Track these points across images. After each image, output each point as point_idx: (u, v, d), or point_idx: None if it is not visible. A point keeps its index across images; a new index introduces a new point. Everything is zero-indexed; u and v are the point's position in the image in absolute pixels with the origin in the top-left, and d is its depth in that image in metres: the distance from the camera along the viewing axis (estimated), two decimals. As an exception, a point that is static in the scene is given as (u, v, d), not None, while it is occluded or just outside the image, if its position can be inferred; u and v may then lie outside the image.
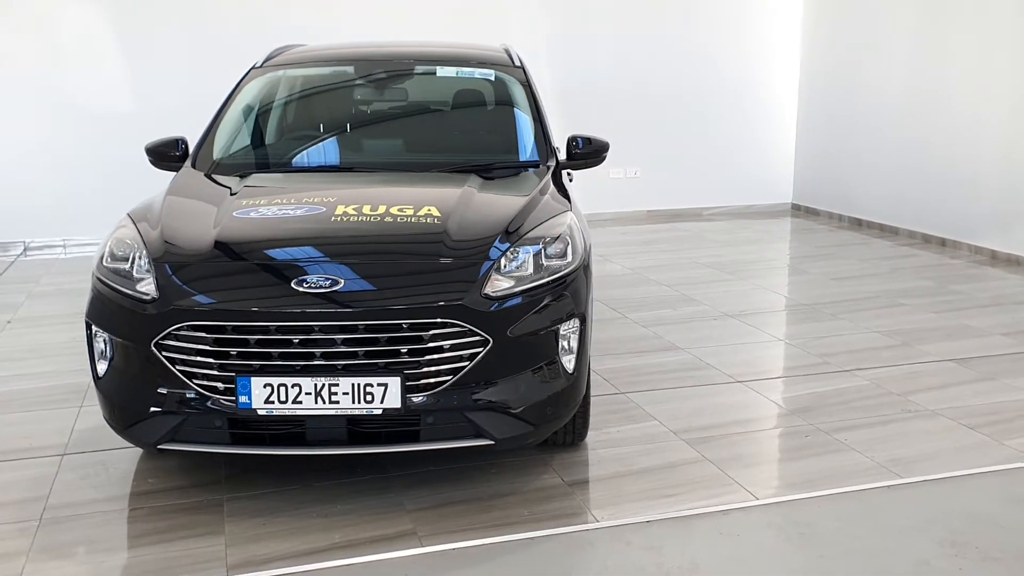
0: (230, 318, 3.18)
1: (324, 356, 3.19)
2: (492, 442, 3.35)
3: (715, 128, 10.19)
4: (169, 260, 3.36)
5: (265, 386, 3.17)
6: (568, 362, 3.52)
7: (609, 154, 9.67)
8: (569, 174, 5.29)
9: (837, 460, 3.97)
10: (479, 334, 3.25)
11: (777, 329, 5.87)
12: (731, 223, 9.86)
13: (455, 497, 3.63)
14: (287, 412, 3.19)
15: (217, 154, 4.40)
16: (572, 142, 4.58)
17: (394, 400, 3.19)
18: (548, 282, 3.47)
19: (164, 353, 3.25)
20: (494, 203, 3.80)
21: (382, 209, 3.62)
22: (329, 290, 3.20)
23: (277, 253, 3.38)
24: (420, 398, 3.24)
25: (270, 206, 3.69)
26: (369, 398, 3.18)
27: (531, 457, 3.96)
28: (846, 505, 3.57)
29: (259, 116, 4.68)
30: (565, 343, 3.51)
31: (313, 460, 3.76)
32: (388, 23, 8.83)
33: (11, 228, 8.44)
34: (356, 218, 3.55)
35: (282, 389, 3.17)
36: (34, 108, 8.36)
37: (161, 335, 3.23)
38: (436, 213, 3.60)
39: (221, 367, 3.21)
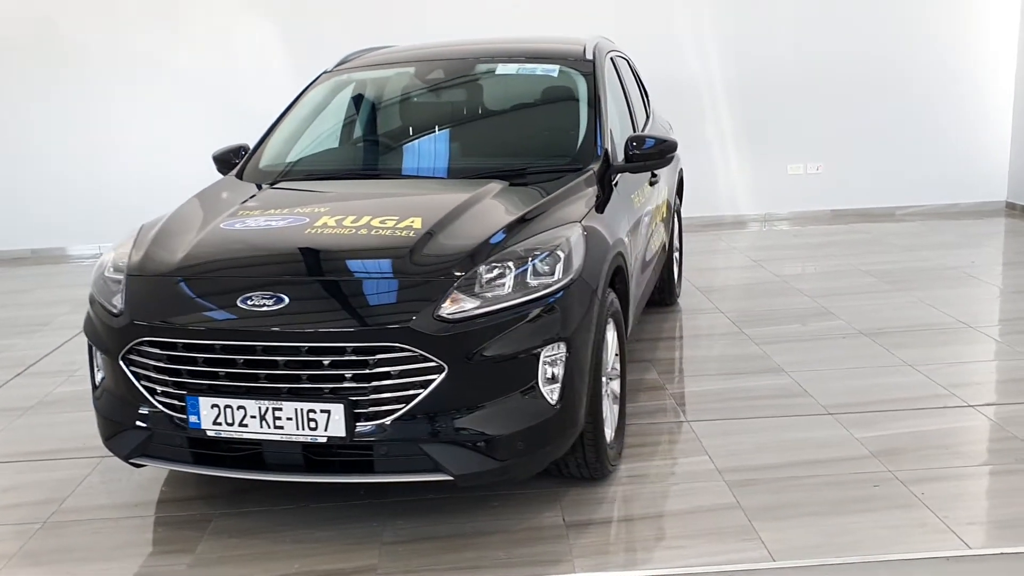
0: (179, 335, 3.10)
1: (268, 378, 3.03)
2: (451, 478, 3.06)
3: (912, 117, 9.12)
4: (140, 273, 3.34)
5: (212, 407, 3.06)
6: (551, 392, 3.15)
7: (786, 148, 9.07)
8: (654, 175, 4.85)
9: (898, 518, 3.33)
10: (432, 360, 2.97)
11: (912, 352, 5.08)
12: (925, 224, 8.80)
13: (438, 532, 3.37)
14: (233, 435, 3.07)
15: (264, 162, 4.37)
16: (630, 143, 4.15)
17: (338, 428, 2.98)
18: (527, 302, 3.12)
19: (131, 368, 3.23)
20: (492, 213, 3.49)
21: (364, 220, 3.42)
22: (272, 308, 3.04)
23: (233, 269, 3.26)
24: (369, 427, 3.01)
25: (260, 217, 3.58)
26: (313, 425, 3.00)
27: (543, 491, 3.61)
28: (878, 578, 2.97)
29: (315, 122, 4.60)
30: (548, 370, 3.15)
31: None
32: (534, 22, 8.56)
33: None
34: (332, 231, 3.37)
35: (228, 411, 3.05)
36: (210, 118, 8.80)
37: (124, 350, 3.21)
38: (417, 225, 3.35)
39: (176, 385, 3.14)
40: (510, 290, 3.14)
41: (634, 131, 5.01)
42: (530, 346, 3.10)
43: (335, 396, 2.98)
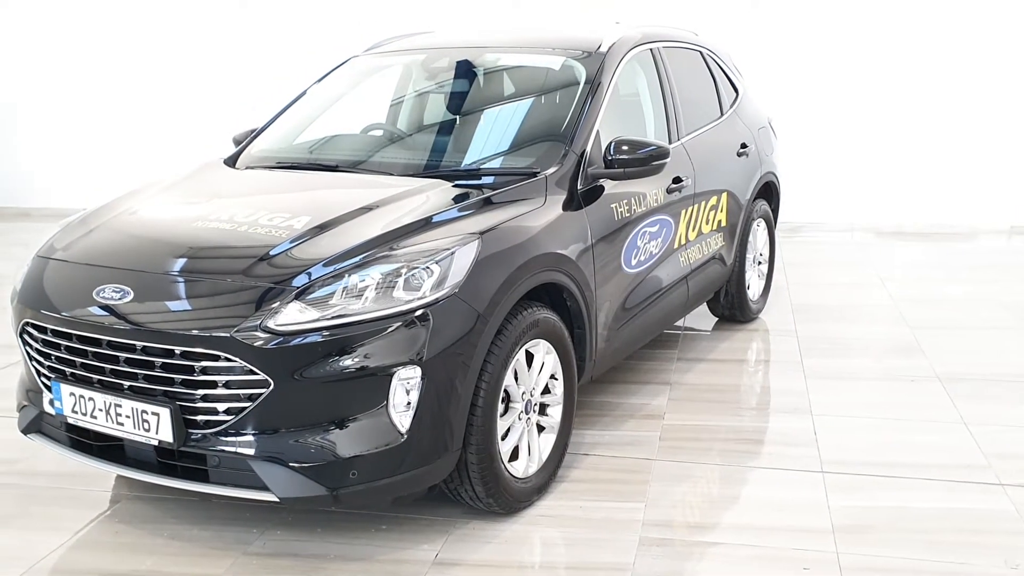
0: (47, 321, 3.11)
1: (113, 373, 2.98)
2: (276, 500, 2.88)
3: None
4: (42, 254, 3.38)
5: (71, 395, 3.07)
6: (401, 418, 2.89)
7: (956, 151, 8.00)
8: (677, 179, 4.36)
9: (800, 615, 2.80)
10: (257, 373, 2.80)
11: (980, 407, 4.28)
12: None
13: (305, 550, 3.20)
14: (87, 425, 3.06)
15: (259, 146, 4.30)
16: (610, 147, 3.73)
17: (167, 432, 2.89)
18: (379, 319, 2.87)
19: (24, 347, 3.29)
20: (389, 218, 3.23)
21: (255, 217, 3.26)
22: (117, 302, 2.97)
23: (104, 258, 3.20)
24: (200, 435, 2.89)
25: (173, 206, 3.52)
26: (146, 426, 2.92)
27: (440, 519, 3.35)
28: None
29: (323, 107, 4.48)
30: (400, 395, 2.89)
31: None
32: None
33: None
34: (215, 225, 3.24)
35: (82, 400, 3.04)
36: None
37: (19, 328, 3.27)
38: (298, 225, 3.16)
39: (50, 369, 3.17)
40: (369, 303, 2.89)
41: (669, 135, 4.53)
42: (377, 367, 2.85)
43: (165, 399, 2.89)
